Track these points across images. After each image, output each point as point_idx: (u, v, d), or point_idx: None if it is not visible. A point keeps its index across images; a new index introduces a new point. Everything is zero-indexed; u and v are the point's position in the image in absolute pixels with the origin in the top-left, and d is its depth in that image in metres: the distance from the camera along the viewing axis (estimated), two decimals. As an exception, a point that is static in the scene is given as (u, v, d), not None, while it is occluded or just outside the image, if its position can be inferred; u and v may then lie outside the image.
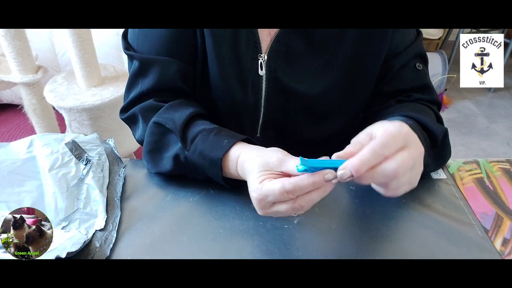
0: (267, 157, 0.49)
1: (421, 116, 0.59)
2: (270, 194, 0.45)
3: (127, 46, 0.68)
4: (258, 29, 0.65)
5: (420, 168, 0.49)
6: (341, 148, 0.46)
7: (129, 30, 0.68)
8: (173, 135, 0.60)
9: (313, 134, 0.75)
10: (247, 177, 0.51)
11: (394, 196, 0.47)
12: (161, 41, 0.65)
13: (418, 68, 0.67)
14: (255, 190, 0.47)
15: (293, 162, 0.46)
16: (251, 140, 0.58)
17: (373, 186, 0.48)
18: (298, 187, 0.44)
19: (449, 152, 0.65)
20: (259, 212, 0.48)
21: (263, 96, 0.68)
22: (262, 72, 0.66)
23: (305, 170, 0.44)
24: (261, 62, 0.66)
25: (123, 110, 0.69)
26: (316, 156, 0.47)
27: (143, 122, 0.64)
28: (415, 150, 0.47)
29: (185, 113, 0.60)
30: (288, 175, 0.47)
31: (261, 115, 0.71)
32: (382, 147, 0.44)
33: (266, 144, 0.75)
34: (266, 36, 0.65)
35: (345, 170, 0.43)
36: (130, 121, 0.68)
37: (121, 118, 0.69)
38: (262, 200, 0.46)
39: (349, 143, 0.47)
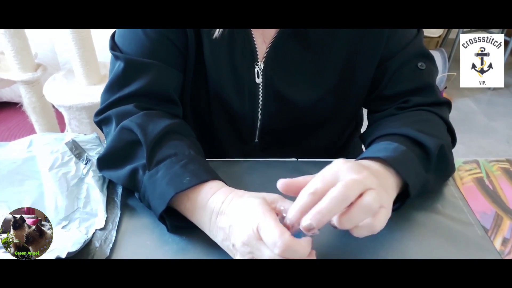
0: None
1: (412, 131, 0.56)
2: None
3: (113, 46, 0.64)
4: (254, 37, 0.64)
5: (389, 207, 0.47)
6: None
7: (117, 30, 0.65)
8: (141, 148, 0.54)
9: (310, 139, 0.75)
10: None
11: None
12: (148, 44, 0.61)
13: (421, 68, 0.65)
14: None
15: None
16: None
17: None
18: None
19: (450, 166, 0.62)
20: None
21: (260, 103, 0.68)
22: (259, 80, 0.66)
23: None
24: (257, 71, 0.66)
25: (99, 113, 0.62)
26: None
27: (116, 127, 0.58)
28: (381, 189, 0.44)
29: (158, 127, 0.55)
30: None
31: (258, 122, 0.71)
32: (342, 200, 0.41)
33: (265, 150, 0.75)
34: (261, 44, 0.64)
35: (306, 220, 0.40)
36: (103, 124, 0.62)
37: (94, 121, 0.63)
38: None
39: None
